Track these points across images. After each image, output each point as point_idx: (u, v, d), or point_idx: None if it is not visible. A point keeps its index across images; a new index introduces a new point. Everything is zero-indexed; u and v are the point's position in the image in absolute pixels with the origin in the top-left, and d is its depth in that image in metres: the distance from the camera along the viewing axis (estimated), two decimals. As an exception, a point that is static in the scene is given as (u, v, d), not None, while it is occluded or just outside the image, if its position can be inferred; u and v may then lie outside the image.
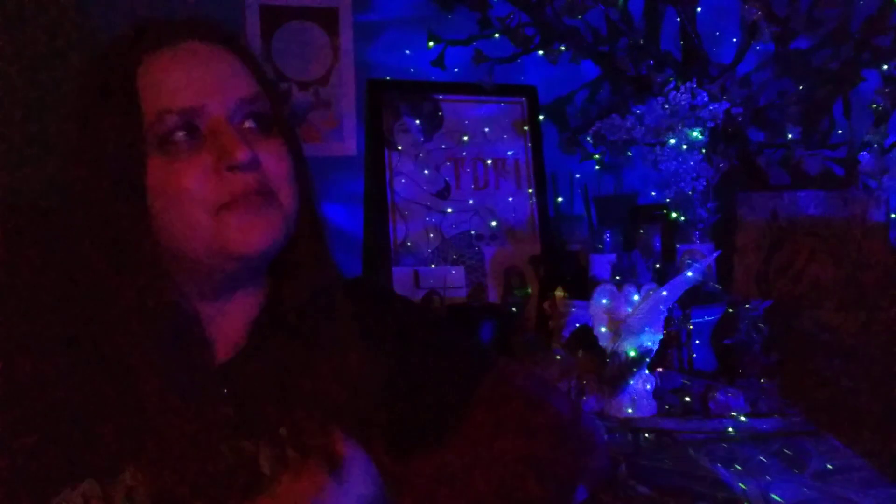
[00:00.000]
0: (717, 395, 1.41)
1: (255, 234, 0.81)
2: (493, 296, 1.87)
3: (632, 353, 1.41)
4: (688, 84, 1.71)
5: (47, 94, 1.57)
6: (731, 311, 1.58)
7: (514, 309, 1.78)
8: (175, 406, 0.78)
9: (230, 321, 0.87)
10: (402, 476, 0.79)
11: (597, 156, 2.02)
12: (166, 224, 0.80)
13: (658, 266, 1.67)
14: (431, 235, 1.89)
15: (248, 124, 0.83)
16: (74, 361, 0.79)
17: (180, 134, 0.80)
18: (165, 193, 0.79)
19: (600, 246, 1.68)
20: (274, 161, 0.83)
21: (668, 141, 1.70)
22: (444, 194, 1.92)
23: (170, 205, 0.79)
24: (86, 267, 0.81)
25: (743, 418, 1.38)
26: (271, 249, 0.83)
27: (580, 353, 1.50)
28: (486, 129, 1.97)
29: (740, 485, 1.13)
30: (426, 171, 1.92)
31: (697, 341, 1.58)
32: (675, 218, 1.76)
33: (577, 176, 2.04)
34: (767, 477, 1.15)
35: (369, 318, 0.91)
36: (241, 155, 0.79)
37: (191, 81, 0.81)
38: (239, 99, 0.82)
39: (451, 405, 0.90)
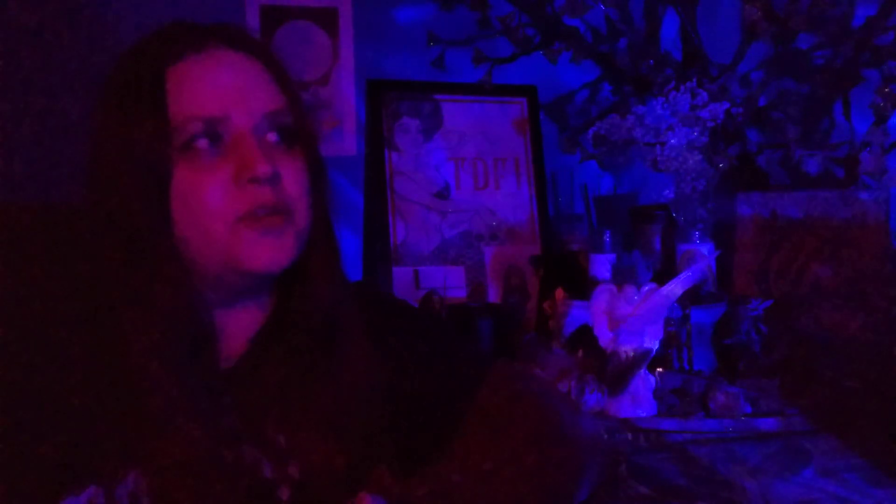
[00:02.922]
0: (717, 395, 1.41)
1: (268, 253, 0.81)
2: (493, 296, 1.87)
3: (632, 353, 1.41)
4: (688, 84, 1.71)
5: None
6: (731, 311, 1.58)
7: (513, 309, 1.78)
8: (179, 411, 0.78)
9: (235, 329, 0.86)
10: (406, 497, 0.78)
11: (597, 156, 2.02)
12: (185, 232, 0.80)
13: (658, 266, 1.66)
14: (431, 235, 1.89)
15: (271, 137, 0.83)
16: (79, 363, 0.79)
17: (203, 142, 0.79)
18: (187, 202, 0.79)
19: (600, 246, 1.68)
20: (293, 177, 0.83)
21: (668, 141, 1.70)
22: (443, 194, 1.92)
23: (190, 213, 0.79)
24: (102, 269, 0.80)
25: (743, 418, 1.38)
26: (282, 268, 0.83)
27: (580, 353, 1.49)
28: (486, 130, 1.97)
29: (740, 485, 1.13)
30: (426, 171, 1.92)
31: (697, 341, 1.58)
32: (675, 218, 1.76)
33: (577, 176, 2.04)
34: (767, 477, 1.15)
35: (368, 327, 0.91)
36: (262, 168, 0.79)
37: (218, 90, 0.81)
38: (264, 111, 0.82)
39: (451, 416, 0.89)
